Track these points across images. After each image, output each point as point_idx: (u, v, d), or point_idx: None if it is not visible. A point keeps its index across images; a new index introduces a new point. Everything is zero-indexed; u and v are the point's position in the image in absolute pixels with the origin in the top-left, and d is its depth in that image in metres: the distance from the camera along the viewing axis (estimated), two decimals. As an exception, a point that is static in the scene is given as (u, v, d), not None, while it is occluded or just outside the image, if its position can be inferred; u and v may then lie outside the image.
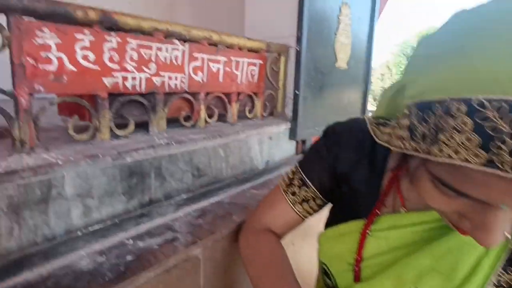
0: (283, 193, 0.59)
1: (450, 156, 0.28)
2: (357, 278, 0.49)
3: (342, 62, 1.41)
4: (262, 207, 0.63)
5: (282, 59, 1.15)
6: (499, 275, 0.41)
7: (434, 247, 0.43)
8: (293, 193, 0.59)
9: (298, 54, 1.14)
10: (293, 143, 1.24)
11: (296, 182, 0.59)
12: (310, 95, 1.24)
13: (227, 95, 0.96)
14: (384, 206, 0.49)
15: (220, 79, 0.91)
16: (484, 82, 0.26)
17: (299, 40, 1.12)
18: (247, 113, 1.06)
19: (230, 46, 0.92)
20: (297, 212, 0.59)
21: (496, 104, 0.25)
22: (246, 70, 1.00)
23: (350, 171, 0.53)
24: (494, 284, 0.40)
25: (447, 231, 0.42)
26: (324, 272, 0.56)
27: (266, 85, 1.12)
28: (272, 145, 1.12)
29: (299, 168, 0.59)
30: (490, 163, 0.26)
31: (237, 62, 0.96)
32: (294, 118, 1.19)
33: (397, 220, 0.46)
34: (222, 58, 0.90)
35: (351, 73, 1.49)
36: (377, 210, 0.48)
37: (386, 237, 0.46)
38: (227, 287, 0.72)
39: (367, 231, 0.48)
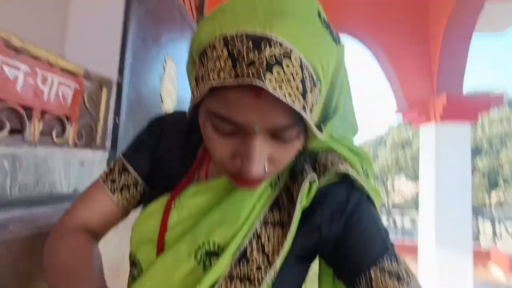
0: (102, 182, 0.58)
1: (213, 79, 0.36)
2: (159, 251, 0.50)
3: (168, 106, 1.55)
4: (77, 202, 0.59)
5: (104, 91, 1.15)
6: (265, 215, 0.48)
7: (222, 204, 0.49)
8: (113, 181, 0.58)
9: (119, 85, 1.16)
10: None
11: (116, 169, 0.58)
12: (133, 128, 1.25)
13: (27, 110, 0.90)
14: (191, 182, 0.54)
15: (18, 89, 0.85)
16: (230, 19, 0.37)
17: (121, 71, 1.16)
18: (54, 137, 0.97)
19: (36, 58, 0.88)
20: (117, 201, 0.57)
21: (240, 34, 0.36)
22: (56, 90, 0.96)
23: (166, 154, 0.58)
24: (261, 222, 0.48)
25: (233, 190, 0.49)
26: (132, 264, 0.54)
27: (84, 114, 1.09)
28: (84, 173, 1.04)
29: (121, 156, 0.60)
30: (236, 76, 0.35)
31: (44, 77, 0.92)
32: (113, 148, 1.15)
33: (198, 188, 0.51)
34: (23, 66, 0.85)
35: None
36: (181, 187, 0.52)
37: (187, 205, 0.51)
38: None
39: (172, 202, 0.51)
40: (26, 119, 0.89)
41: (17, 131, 0.89)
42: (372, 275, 0.43)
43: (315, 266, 0.58)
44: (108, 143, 1.19)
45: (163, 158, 0.58)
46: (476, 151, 16.02)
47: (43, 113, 0.93)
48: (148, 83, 1.36)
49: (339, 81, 0.44)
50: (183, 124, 0.59)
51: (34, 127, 0.91)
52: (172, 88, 1.53)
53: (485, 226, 5.40)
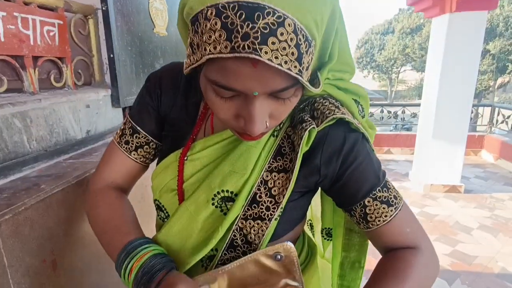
0: (117, 145, 0.62)
1: (211, 52, 0.36)
2: (181, 200, 0.56)
3: (160, 28, 1.39)
4: (100, 165, 0.64)
5: (91, 22, 1.05)
6: (270, 163, 0.53)
7: (231, 155, 0.53)
8: (127, 142, 0.61)
9: (105, 14, 1.04)
10: (119, 111, 1.20)
11: (127, 131, 0.62)
12: (129, 59, 1.19)
13: (18, 59, 0.85)
14: (197, 136, 0.58)
15: (2, 38, 0.80)
16: None
17: (103, -1, 1.03)
18: (53, 82, 0.96)
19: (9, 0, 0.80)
20: (135, 159, 0.62)
21: (232, 4, 0.34)
22: (40, 31, 0.89)
23: (170, 111, 0.60)
24: (266, 170, 0.53)
25: (239, 141, 0.53)
26: (158, 207, 0.61)
27: (76, 51, 1.02)
28: (91, 114, 1.06)
29: (128, 118, 0.62)
30: (232, 50, 0.34)
31: (25, 19, 0.84)
32: (114, 84, 1.13)
33: (206, 142, 0.55)
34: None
35: (173, 39, 1.51)
36: (191, 141, 0.56)
37: (199, 158, 0.55)
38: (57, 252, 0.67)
39: (184, 158, 0.56)
40: (21, 69, 0.86)
41: (16, 89, 0.86)
42: (366, 203, 0.52)
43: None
44: (107, 78, 1.16)
45: (167, 114, 0.61)
46: (490, 32, 15.02)
47: (34, 59, 0.89)
48: (135, 5, 1.23)
49: (334, 27, 0.43)
50: (180, 79, 0.60)
51: (31, 76, 0.88)
52: (161, 6, 1.37)
53: (484, 112, 5.52)
